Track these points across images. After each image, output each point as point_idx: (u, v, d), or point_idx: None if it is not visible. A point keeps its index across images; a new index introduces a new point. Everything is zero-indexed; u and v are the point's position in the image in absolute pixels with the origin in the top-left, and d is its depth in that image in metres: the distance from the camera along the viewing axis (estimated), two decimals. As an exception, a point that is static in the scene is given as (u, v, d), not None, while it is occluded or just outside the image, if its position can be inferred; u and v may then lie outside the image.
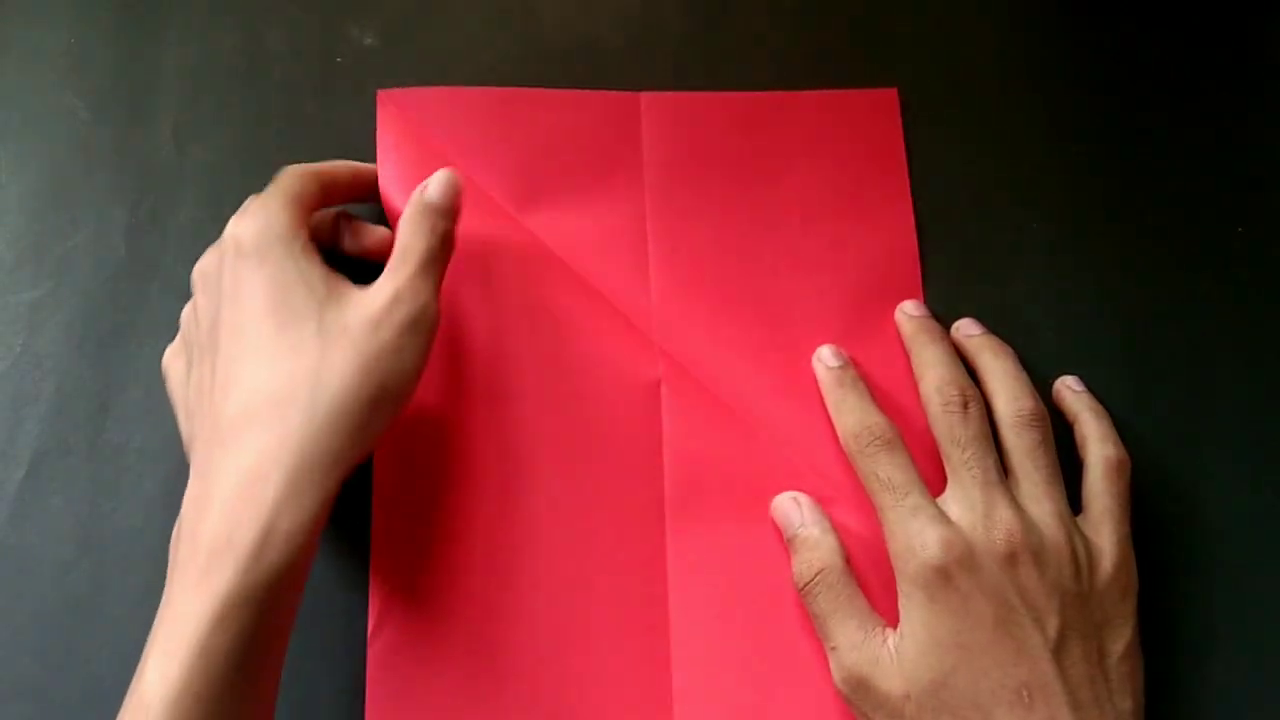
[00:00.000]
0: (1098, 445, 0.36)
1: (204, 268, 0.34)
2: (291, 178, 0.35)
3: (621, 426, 0.37)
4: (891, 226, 0.40)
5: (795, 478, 0.36)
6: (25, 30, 0.42)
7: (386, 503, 0.36)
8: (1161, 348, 0.39)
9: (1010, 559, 0.31)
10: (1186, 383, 0.39)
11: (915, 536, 0.32)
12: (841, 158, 0.41)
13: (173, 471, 0.37)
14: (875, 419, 0.35)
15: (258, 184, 0.39)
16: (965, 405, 0.35)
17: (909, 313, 0.38)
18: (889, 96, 0.42)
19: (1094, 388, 0.38)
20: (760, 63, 0.42)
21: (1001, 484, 0.33)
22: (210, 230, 0.40)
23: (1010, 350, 0.37)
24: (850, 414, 0.36)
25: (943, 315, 0.39)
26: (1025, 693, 0.30)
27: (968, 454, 0.34)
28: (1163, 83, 0.43)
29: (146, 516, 0.37)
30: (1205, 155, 0.42)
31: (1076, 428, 0.37)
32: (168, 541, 0.36)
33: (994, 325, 0.39)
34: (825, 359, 0.37)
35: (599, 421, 0.37)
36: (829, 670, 0.34)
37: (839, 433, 0.36)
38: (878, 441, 0.34)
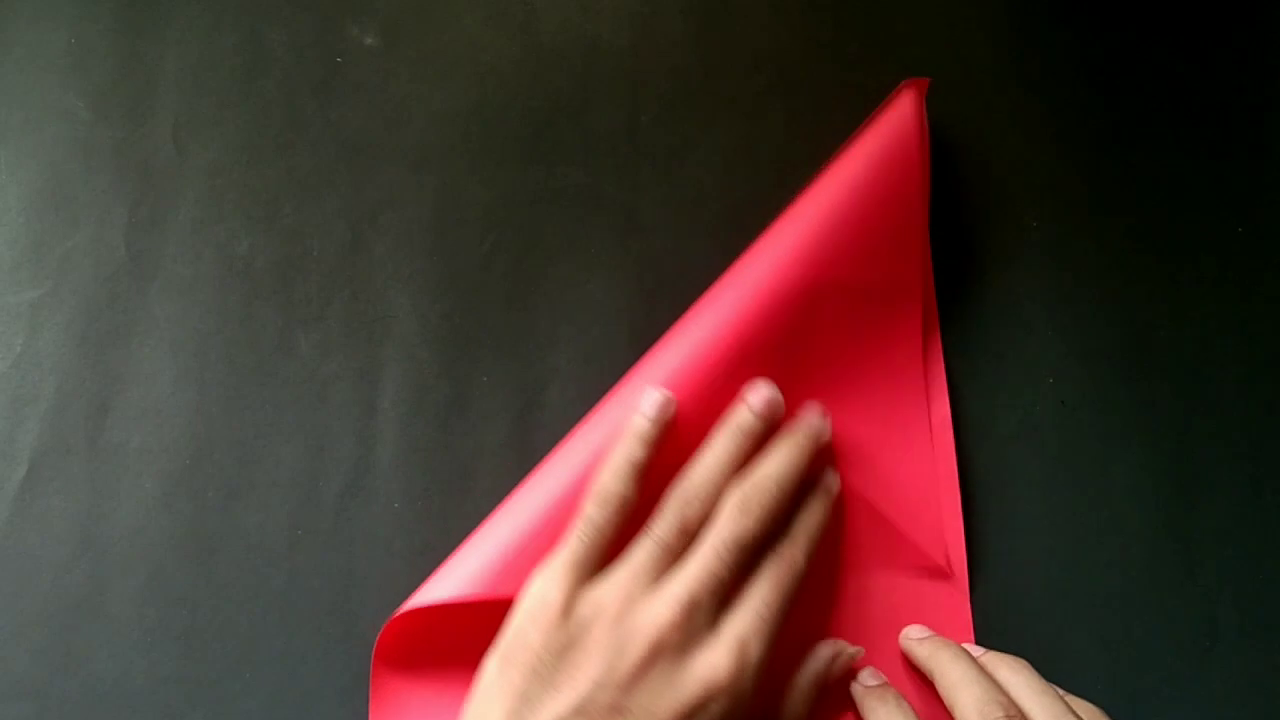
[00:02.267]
0: (981, 689, 0.33)
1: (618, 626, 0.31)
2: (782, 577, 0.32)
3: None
4: (899, 266, 0.37)
5: None
6: (25, 30, 0.42)
7: None
8: (1161, 348, 0.39)
9: None
10: (1186, 383, 0.39)
11: None
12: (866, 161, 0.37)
13: (173, 471, 0.37)
14: None
15: (258, 184, 0.39)
16: None
17: (916, 636, 0.36)
18: (917, 88, 0.38)
19: (1093, 387, 0.38)
20: (761, 63, 0.42)
21: None
22: (210, 230, 0.40)
23: (967, 654, 0.35)
24: None
25: (943, 314, 0.39)
26: None
27: None
28: (1163, 83, 0.42)
29: (146, 516, 0.37)
30: (1205, 155, 0.42)
31: (938, 680, 0.34)
32: (167, 541, 0.36)
33: (994, 325, 0.38)
34: (863, 679, 0.36)
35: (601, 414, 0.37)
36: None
37: None
38: None
